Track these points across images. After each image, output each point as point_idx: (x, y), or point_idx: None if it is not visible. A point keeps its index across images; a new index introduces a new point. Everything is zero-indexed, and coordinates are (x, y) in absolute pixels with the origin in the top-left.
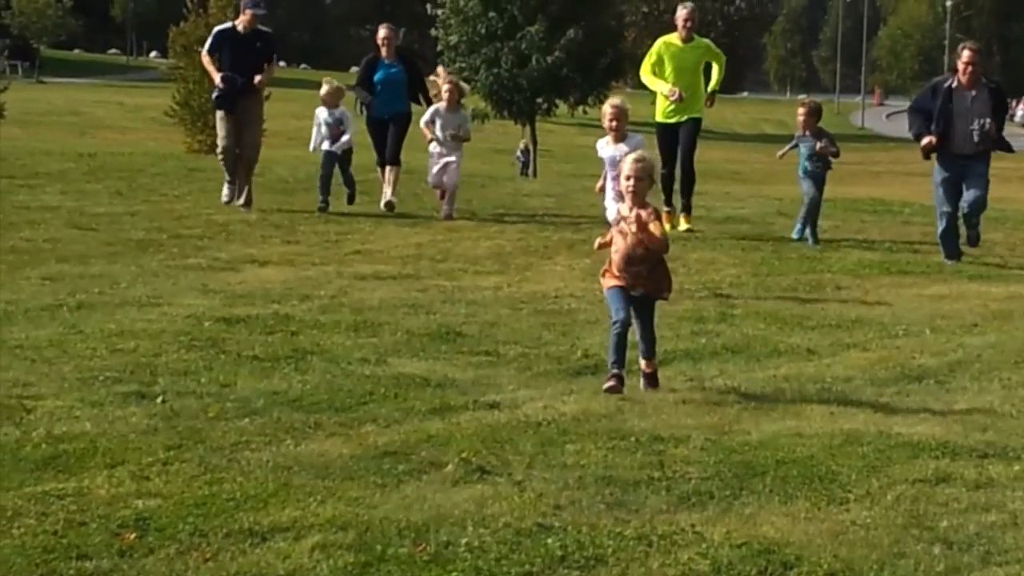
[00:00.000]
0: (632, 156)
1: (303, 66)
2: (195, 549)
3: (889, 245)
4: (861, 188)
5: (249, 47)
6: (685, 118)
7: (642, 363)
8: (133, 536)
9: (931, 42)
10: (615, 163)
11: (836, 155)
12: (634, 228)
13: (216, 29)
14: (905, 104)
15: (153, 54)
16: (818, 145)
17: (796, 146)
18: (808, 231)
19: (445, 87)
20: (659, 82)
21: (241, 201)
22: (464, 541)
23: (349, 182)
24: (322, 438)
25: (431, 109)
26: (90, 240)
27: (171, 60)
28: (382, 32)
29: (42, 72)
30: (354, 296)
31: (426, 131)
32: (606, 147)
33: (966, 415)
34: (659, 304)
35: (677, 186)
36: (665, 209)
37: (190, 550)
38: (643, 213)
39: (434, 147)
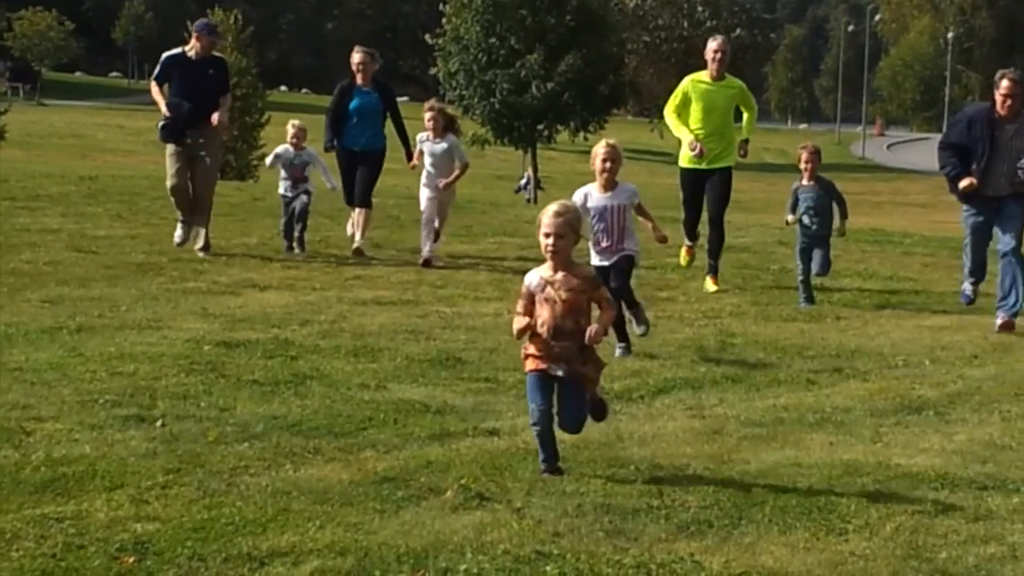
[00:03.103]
0: (551, 209)
1: (304, 90)
2: (193, 573)
3: (890, 275)
4: (862, 218)
5: (202, 75)
6: (715, 166)
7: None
8: (132, 560)
9: (932, 73)
10: (603, 215)
11: (845, 216)
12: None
13: (164, 55)
14: (906, 135)
15: None
16: (839, 223)
17: (796, 202)
18: (802, 290)
19: (428, 115)
20: (683, 129)
21: (199, 245)
22: (463, 568)
23: (300, 236)
24: (321, 463)
25: (418, 140)
26: (90, 263)
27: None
28: (357, 57)
29: (43, 94)
30: (354, 321)
31: (416, 161)
32: (594, 195)
33: (966, 447)
34: (660, 333)
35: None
36: (687, 243)
37: (188, 574)
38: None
39: (425, 178)
